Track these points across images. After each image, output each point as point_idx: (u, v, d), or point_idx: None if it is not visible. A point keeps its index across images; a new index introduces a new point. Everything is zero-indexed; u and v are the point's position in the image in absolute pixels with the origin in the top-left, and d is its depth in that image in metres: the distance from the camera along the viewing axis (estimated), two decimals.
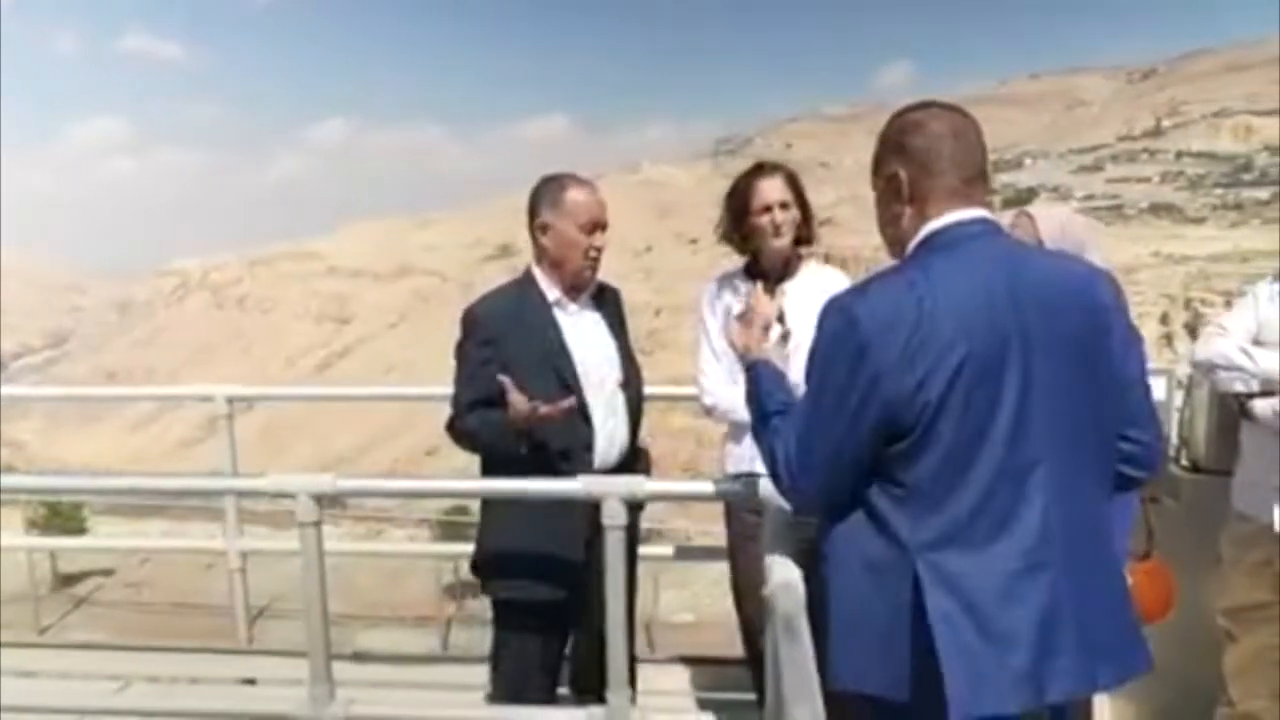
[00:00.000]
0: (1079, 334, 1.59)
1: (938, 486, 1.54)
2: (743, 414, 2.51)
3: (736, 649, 2.92)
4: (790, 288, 2.58)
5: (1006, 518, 1.53)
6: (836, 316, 1.61)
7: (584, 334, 2.55)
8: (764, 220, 2.56)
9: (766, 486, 2.04)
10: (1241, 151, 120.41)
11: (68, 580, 7.52)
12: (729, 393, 2.59)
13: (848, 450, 1.59)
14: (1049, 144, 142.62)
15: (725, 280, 2.72)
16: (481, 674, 3.28)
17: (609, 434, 2.53)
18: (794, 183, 2.59)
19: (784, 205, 2.56)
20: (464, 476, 2.47)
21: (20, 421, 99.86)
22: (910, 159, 1.67)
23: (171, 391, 5.46)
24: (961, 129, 1.67)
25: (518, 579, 2.48)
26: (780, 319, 2.49)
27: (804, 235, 2.63)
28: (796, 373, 2.53)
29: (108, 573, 8.18)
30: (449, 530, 10.73)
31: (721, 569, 2.87)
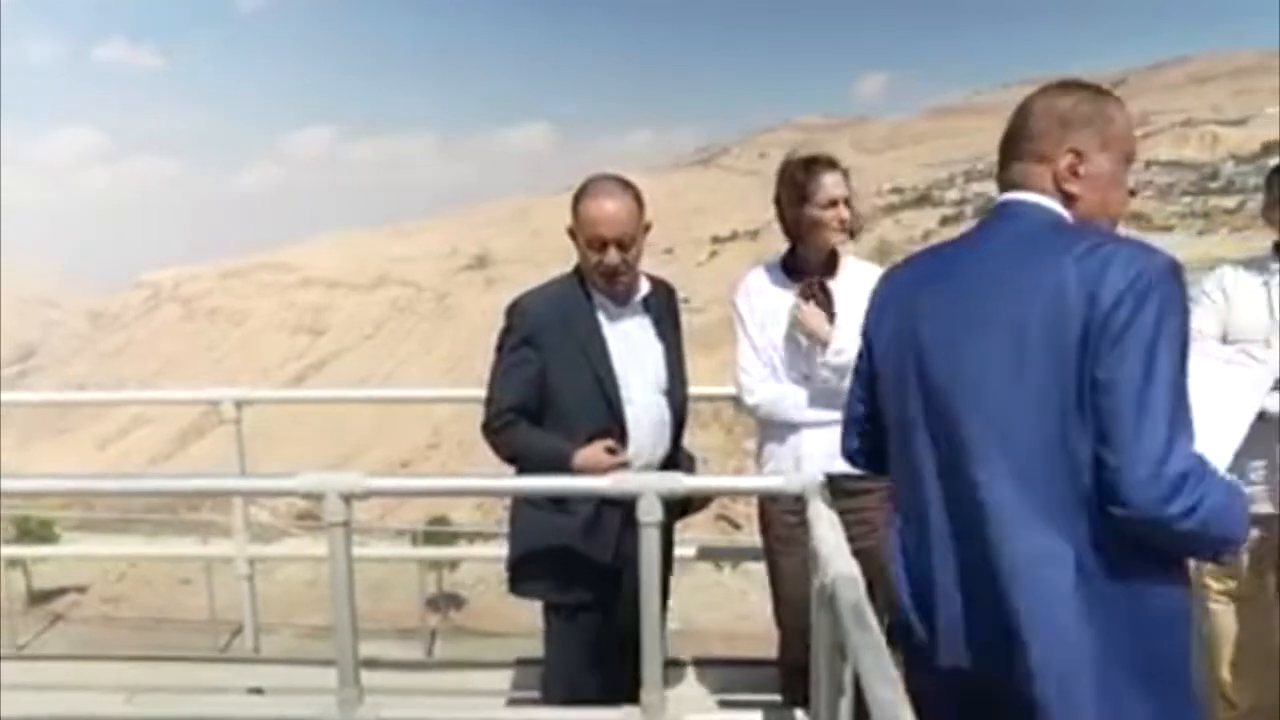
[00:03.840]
0: (1044, 324, 1.37)
1: None
2: (787, 414, 2.50)
3: (734, 653, 2.83)
4: (836, 285, 2.56)
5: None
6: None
7: (628, 340, 2.45)
8: (829, 214, 2.51)
9: (807, 482, 2.01)
10: (1208, 160, 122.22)
11: (43, 597, 7.45)
12: (773, 391, 2.53)
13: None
14: None
15: (761, 275, 2.65)
16: (478, 680, 3.25)
17: (649, 440, 2.44)
18: (847, 179, 2.57)
19: (846, 201, 2.54)
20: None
21: None
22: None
23: (177, 395, 5.41)
24: (1022, 108, 1.57)
25: (549, 581, 2.42)
26: (830, 319, 2.49)
27: (852, 230, 2.60)
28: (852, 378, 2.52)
29: (82, 589, 8.11)
30: (431, 541, 10.67)
31: (702, 576, 2.88)
